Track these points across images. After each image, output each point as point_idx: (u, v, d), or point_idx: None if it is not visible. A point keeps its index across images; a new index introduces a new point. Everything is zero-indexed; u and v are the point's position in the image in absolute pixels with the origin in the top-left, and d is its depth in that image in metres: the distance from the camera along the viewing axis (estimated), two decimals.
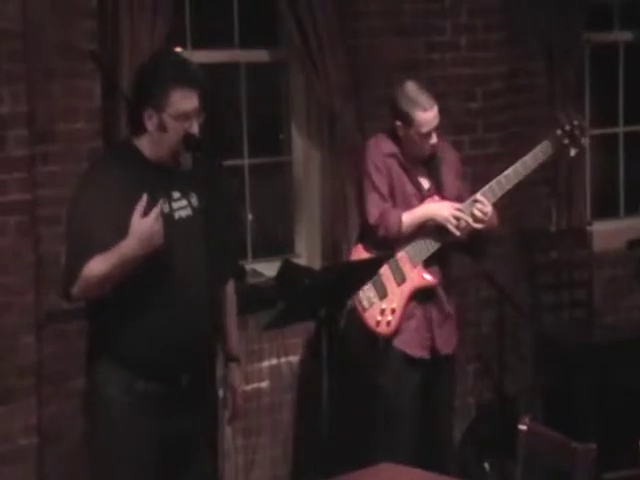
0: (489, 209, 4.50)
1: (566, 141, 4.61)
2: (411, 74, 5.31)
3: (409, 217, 4.47)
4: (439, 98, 5.45)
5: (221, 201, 3.47)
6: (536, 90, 5.92)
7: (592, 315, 5.96)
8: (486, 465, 5.35)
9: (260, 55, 5.31)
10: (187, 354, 3.39)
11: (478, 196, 4.51)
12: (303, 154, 5.36)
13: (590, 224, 6.04)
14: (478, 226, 4.49)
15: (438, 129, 4.50)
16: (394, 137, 4.51)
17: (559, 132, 4.61)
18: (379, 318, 4.49)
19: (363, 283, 4.28)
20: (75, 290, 3.30)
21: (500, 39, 5.72)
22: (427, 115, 4.43)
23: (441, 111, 5.45)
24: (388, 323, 4.50)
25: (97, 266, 3.24)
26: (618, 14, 6.41)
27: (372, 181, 4.48)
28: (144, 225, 3.23)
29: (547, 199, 6.02)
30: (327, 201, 5.22)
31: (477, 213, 4.47)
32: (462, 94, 5.63)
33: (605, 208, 6.46)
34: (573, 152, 4.65)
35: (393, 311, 4.49)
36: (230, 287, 3.70)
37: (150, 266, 3.30)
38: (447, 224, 4.46)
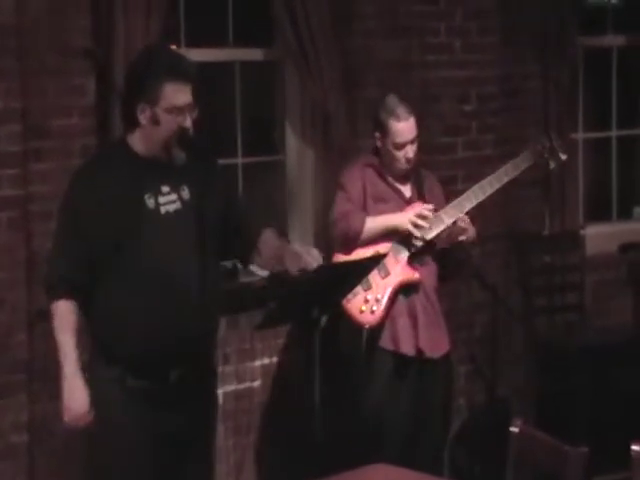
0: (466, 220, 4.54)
1: (546, 155, 4.76)
2: (405, 76, 5.35)
3: (372, 222, 4.54)
4: (433, 100, 5.52)
5: (214, 193, 3.46)
6: (530, 93, 5.93)
7: (584, 318, 5.96)
8: (477, 467, 5.35)
9: (254, 54, 5.30)
10: (175, 351, 3.39)
11: (442, 215, 4.56)
12: (297, 153, 5.36)
13: (583, 228, 6.05)
14: (461, 230, 4.54)
15: (414, 144, 4.55)
16: (376, 154, 4.63)
17: (539, 147, 4.76)
18: (363, 307, 4.51)
19: (357, 283, 4.27)
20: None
21: (494, 42, 5.73)
22: (401, 125, 4.51)
23: (435, 113, 5.51)
24: (372, 312, 4.52)
25: (56, 328, 3.41)
26: (612, 18, 6.43)
27: (344, 186, 4.60)
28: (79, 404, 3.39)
29: (540, 202, 6.03)
30: (320, 201, 5.22)
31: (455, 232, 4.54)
32: (456, 96, 5.64)
33: (598, 212, 6.47)
34: (552, 165, 4.81)
35: (377, 301, 4.52)
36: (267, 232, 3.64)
37: (136, 262, 3.31)
38: (409, 225, 4.53)
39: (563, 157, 4.78)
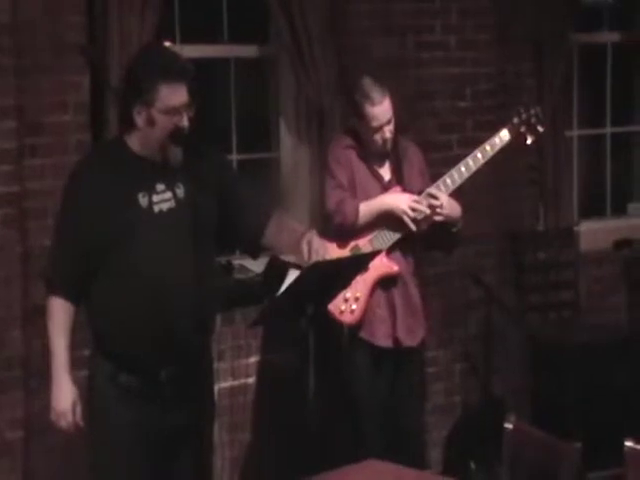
0: (443, 200, 4.56)
1: (523, 129, 4.75)
2: (400, 73, 5.35)
3: (366, 207, 4.56)
4: (428, 97, 5.52)
5: (211, 189, 3.47)
6: (524, 90, 5.93)
7: (578, 315, 5.97)
8: (472, 464, 5.35)
9: (249, 51, 5.31)
10: (166, 349, 3.40)
11: (431, 190, 4.58)
12: (292, 151, 5.37)
13: (577, 224, 6.06)
14: (437, 218, 4.56)
15: (390, 123, 4.55)
16: (354, 132, 4.64)
17: (516, 120, 4.75)
18: (343, 307, 4.53)
19: (351, 280, 4.27)
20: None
21: (489, 39, 5.74)
22: (376, 109, 4.52)
23: (430, 110, 5.51)
24: (352, 311, 4.55)
25: (49, 326, 3.45)
26: (606, 15, 6.44)
27: (332, 172, 4.61)
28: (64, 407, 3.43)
29: (534, 199, 6.04)
30: (315, 198, 5.21)
31: (432, 202, 4.54)
32: (451, 93, 5.65)
33: (592, 208, 6.48)
34: (530, 140, 4.78)
35: (357, 299, 4.54)
36: (277, 218, 3.66)
37: (130, 260, 3.33)
38: (403, 216, 4.54)
39: (541, 129, 4.75)
